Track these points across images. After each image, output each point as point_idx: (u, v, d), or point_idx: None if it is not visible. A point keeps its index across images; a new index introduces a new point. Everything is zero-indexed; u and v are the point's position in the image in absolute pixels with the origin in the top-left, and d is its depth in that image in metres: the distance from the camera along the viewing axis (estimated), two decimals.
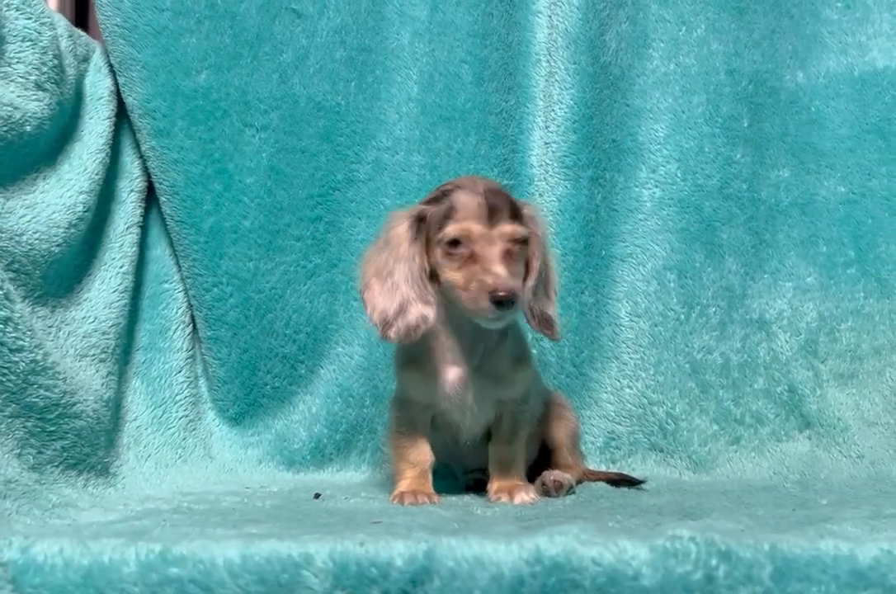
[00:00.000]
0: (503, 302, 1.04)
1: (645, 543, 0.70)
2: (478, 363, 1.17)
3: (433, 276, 1.13)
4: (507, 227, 1.10)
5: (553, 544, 0.70)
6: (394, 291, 1.11)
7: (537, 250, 1.15)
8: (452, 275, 1.09)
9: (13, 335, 1.04)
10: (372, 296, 1.12)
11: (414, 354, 1.19)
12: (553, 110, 1.63)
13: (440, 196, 1.13)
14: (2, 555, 0.69)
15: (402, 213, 1.15)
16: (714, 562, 0.69)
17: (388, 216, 1.16)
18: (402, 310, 1.10)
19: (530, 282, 1.15)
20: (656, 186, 1.63)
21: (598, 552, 0.69)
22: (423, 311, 1.11)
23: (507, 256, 1.08)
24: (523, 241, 1.12)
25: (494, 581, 0.69)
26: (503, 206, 1.10)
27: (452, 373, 1.17)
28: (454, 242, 1.09)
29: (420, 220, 1.13)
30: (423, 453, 1.20)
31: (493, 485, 1.20)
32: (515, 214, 1.11)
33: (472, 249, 1.08)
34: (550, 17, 1.65)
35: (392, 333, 1.10)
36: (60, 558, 0.69)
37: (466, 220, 1.09)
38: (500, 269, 1.06)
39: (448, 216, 1.10)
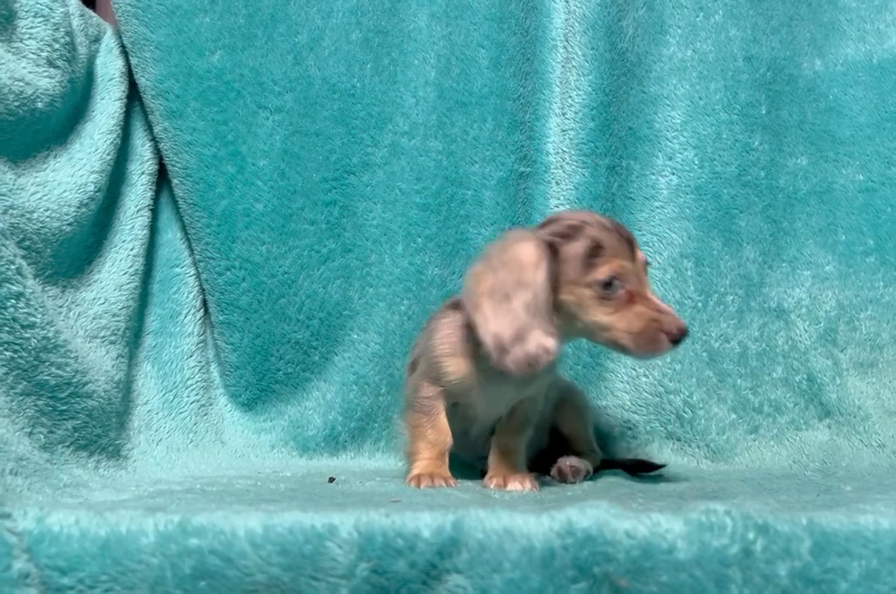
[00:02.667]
0: (679, 340, 1.04)
1: (679, 517, 0.68)
2: None
3: None
4: (641, 256, 1.09)
5: (585, 516, 0.68)
6: (511, 316, 1.02)
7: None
8: (607, 318, 1.05)
9: (25, 311, 1.02)
10: (483, 317, 1.04)
11: (467, 347, 1.14)
12: (570, 97, 1.61)
13: (569, 230, 1.07)
14: (17, 525, 0.67)
15: (525, 234, 1.08)
16: (751, 535, 0.67)
17: (506, 233, 1.10)
18: (520, 337, 1.02)
19: None
20: (673, 174, 1.61)
21: (631, 525, 0.67)
22: (545, 342, 1.02)
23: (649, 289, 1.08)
24: (646, 268, 1.10)
25: (525, 553, 0.67)
26: (632, 237, 1.09)
27: (493, 376, 1.13)
28: (608, 284, 1.05)
29: (551, 250, 1.06)
30: (442, 433, 1.17)
31: (490, 472, 1.18)
32: (636, 243, 1.10)
33: (628, 290, 1.05)
34: (568, 1, 1.63)
35: (510, 360, 1.02)
36: (77, 528, 0.67)
37: (616, 259, 1.05)
38: (665, 306, 1.05)
39: (594, 255, 1.05)
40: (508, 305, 1.03)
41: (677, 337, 1.03)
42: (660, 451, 1.51)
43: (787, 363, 1.54)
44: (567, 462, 1.25)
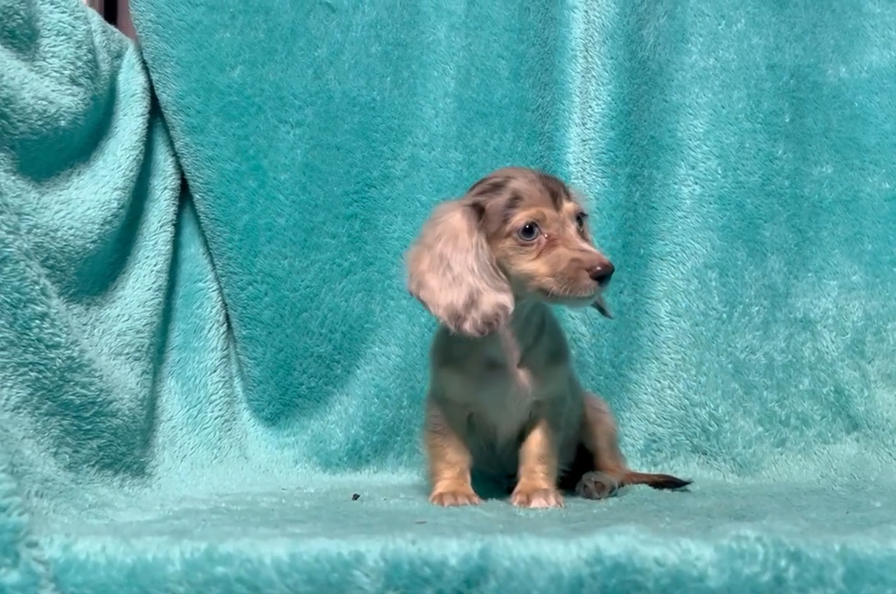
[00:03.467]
0: (604, 276, 1.02)
1: (710, 544, 0.67)
2: (518, 360, 1.14)
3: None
4: (571, 206, 1.08)
5: (613, 544, 0.67)
6: (458, 284, 1.04)
7: (587, 227, 1.14)
8: (530, 265, 1.05)
9: (49, 331, 1.02)
10: (430, 293, 1.05)
11: (453, 353, 1.15)
12: (590, 106, 1.61)
13: (492, 188, 1.09)
14: (43, 553, 0.66)
15: (451, 205, 1.10)
16: (783, 563, 0.66)
17: (434, 209, 1.11)
18: (472, 301, 1.03)
19: None
20: (696, 183, 1.60)
21: (660, 552, 0.67)
22: (498, 299, 1.04)
23: (579, 235, 1.07)
24: (580, 219, 1.10)
25: (553, 582, 0.66)
26: (560, 188, 1.08)
27: (492, 372, 1.14)
28: (528, 231, 1.05)
29: (477, 211, 1.08)
30: (460, 453, 1.17)
31: (517, 488, 1.16)
32: (569, 194, 1.09)
33: (548, 234, 1.05)
34: (587, 12, 1.63)
35: (468, 326, 1.03)
36: (103, 556, 0.67)
37: (535, 206, 1.05)
38: (587, 246, 1.05)
39: (512, 205, 1.06)
40: (452, 274, 1.05)
41: (599, 273, 1.01)
42: (685, 465, 1.50)
43: (814, 375, 1.53)
44: (592, 478, 1.25)
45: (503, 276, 1.07)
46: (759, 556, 0.66)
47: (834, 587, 0.66)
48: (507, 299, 1.05)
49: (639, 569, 0.66)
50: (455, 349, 1.15)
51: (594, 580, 0.66)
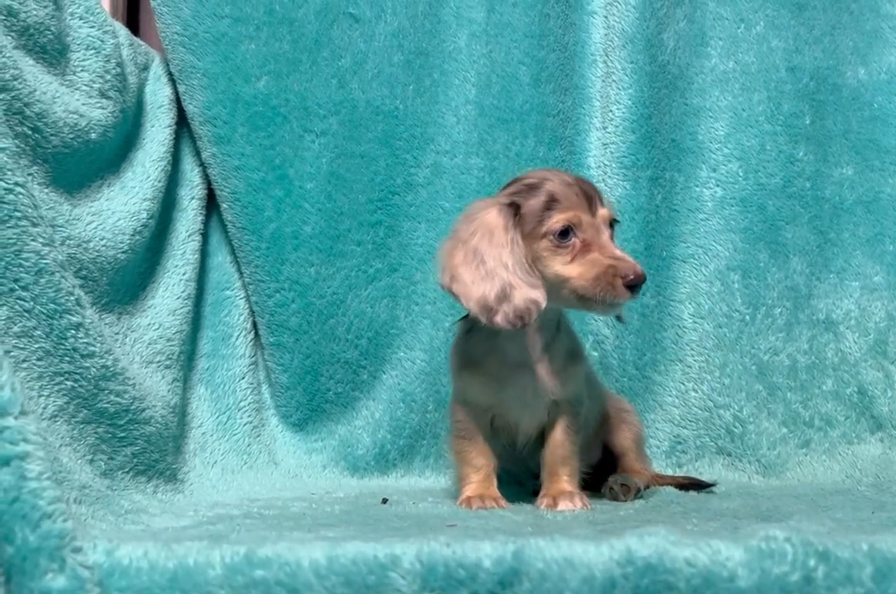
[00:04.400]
0: (637, 285, 1.03)
1: (739, 544, 0.68)
2: (535, 359, 1.15)
3: None
4: (605, 212, 1.09)
5: (644, 545, 0.68)
6: (491, 277, 1.05)
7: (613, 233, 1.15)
8: (564, 268, 1.06)
9: (84, 341, 1.04)
10: (463, 286, 1.06)
11: (473, 355, 1.17)
12: (611, 111, 1.62)
13: (528, 188, 1.09)
14: (87, 559, 0.68)
15: (486, 202, 1.11)
16: (812, 562, 0.67)
17: (468, 206, 1.12)
18: (504, 294, 1.04)
19: None
20: (717, 186, 1.61)
21: (691, 553, 0.68)
22: (530, 295, 1.04)
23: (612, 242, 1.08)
24: (612, 225, 1.11)
25: (585, 583, 0.67)
26: (595, 193, 1.10)
27: (509, 371, 1.15)
28: (563, 234, 1.06)
29: (513, 209, 1.08)
30: (485, 456, 1.18)
31: (542, 491, 1.17)
32: (602, 199, 1.11)
33: (583, 238, 1.06)
34: (607, 17, 1.64)
35: (500, 319, 1.04)
36: (146, 561, 0.69)
37: (571, 210, 1.06)
38: (621, 253, 1.06)
39: (549, 207, 1.07)
40: (486, 268, 1.05)
41: (633, 281, 1.02)
42: (710, 467, 1.51)
43: (838, 376, 1.53)
44: (619, 481, 1.25)
45: (537, 273, 1.08)
46: (788, 556, 0.68)
47: (863, 586, 0.67)
48: (539, 295, 1.05)
49: (670, 570, 0.67)
50: (475, 350, 1.16)
51: (626, 581, 0.67)
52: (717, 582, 0.67)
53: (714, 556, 0.68)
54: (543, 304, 1.06)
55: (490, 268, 1.05)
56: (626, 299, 1.04)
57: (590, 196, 1.08)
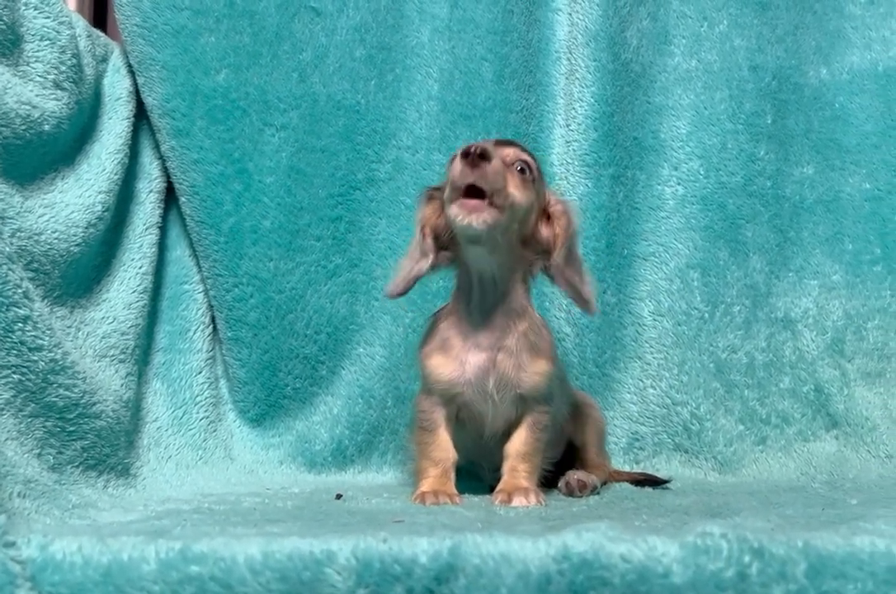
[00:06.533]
0: (469, 153, 1.04)
1: (675, 540, 0.68)
2: (499, 346, 1.16)
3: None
4: (509, 150, 1.12)
5: (581, 541, 0.68)
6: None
7: (566, 224, 1.17)
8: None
9: (32, 334, 1.03)
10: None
11: (444, 336, 1.18)
12: (574, 108, 1.62)
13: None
14: (20, 553, 0.68)
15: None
16: (747, 559, 0.68)
17: None
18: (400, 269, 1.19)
19: (559, 251, 1.16)
20: (679, 184, 1.62)
21: (626, 549, 0.68)
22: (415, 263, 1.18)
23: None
24: (524, 170, 1.12)
25: (521, 578, 0.67)
26: (509, 144, 1.14)
27: (474, 356, 1.16)
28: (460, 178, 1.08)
29: (435, 191, 1.18)
30: (445, 450, 1.18)
31: (498, 486, 1.17)
32: (517, 144, 1.16)
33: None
34: (570, 14, 1.64)
35: (387, 288, 1.21)
36: (79, 556, 0.68)
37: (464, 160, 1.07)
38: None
39: (451, 161, 1.10)
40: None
41: (465, 149, 1.05)
42: (667, 463, 1.52)
43: (795, 374, 1.55)
44: (575, 476, 1.25)
45: (430, 242, 1.19)
46: (723, 552, 0.68)
47: (796, 582, 0.67)
48: (424, 262, 1.19)
49: (605, 566, 0.67)
50: (445, 333, 1.18)
51: (562, 576, 0.67)
52: (652, 578, 0.67)
53: (650, 552, 0.68)
54: (423, 268, 1.18)
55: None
56: (465, 175, 1.05)
57: (500, 143, 1.12)
